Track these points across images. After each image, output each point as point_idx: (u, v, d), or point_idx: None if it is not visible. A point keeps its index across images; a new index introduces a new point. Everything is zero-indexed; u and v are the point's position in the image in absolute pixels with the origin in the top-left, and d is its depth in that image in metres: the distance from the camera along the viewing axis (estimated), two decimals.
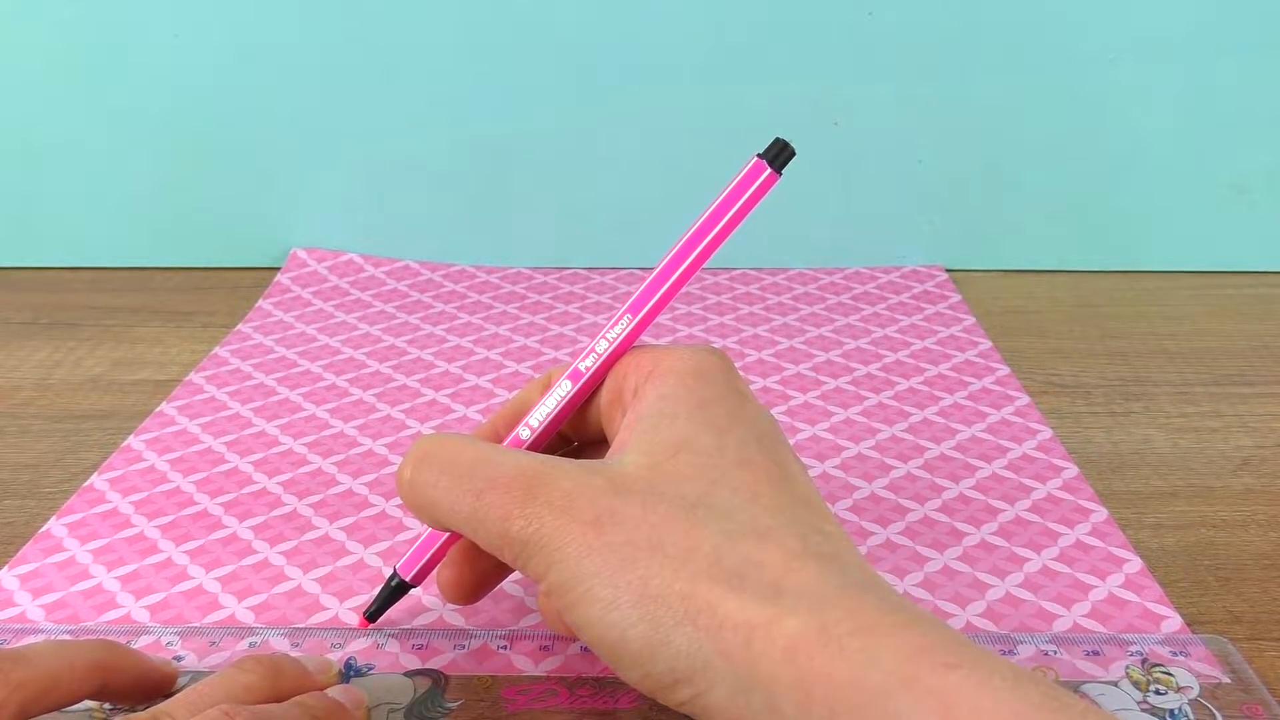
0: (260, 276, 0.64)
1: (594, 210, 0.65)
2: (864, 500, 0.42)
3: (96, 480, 0.43)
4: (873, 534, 0.39)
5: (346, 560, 0.38)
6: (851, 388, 0.50)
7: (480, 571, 0.32)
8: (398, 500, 0.42)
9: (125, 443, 0.46)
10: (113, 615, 0.35)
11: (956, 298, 0.61)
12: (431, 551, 0.33)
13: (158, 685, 0.31)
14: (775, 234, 0.64)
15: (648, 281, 0.31)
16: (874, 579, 0.25)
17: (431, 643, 0.33)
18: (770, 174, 0.33)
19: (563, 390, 0.31)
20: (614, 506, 0.26)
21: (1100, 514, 0.40)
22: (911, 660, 0.22)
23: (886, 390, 0.50)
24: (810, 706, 0.22)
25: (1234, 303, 0.60)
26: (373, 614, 0.34)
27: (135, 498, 0.42)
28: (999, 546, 0.38)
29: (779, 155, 0.33)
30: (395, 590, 0.34)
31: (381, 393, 0.50)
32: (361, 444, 0.46)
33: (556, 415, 0.32)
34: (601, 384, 0.31)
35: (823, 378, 0.51)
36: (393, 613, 0.35)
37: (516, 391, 0.35)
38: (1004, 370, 0.52)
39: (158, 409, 0.49)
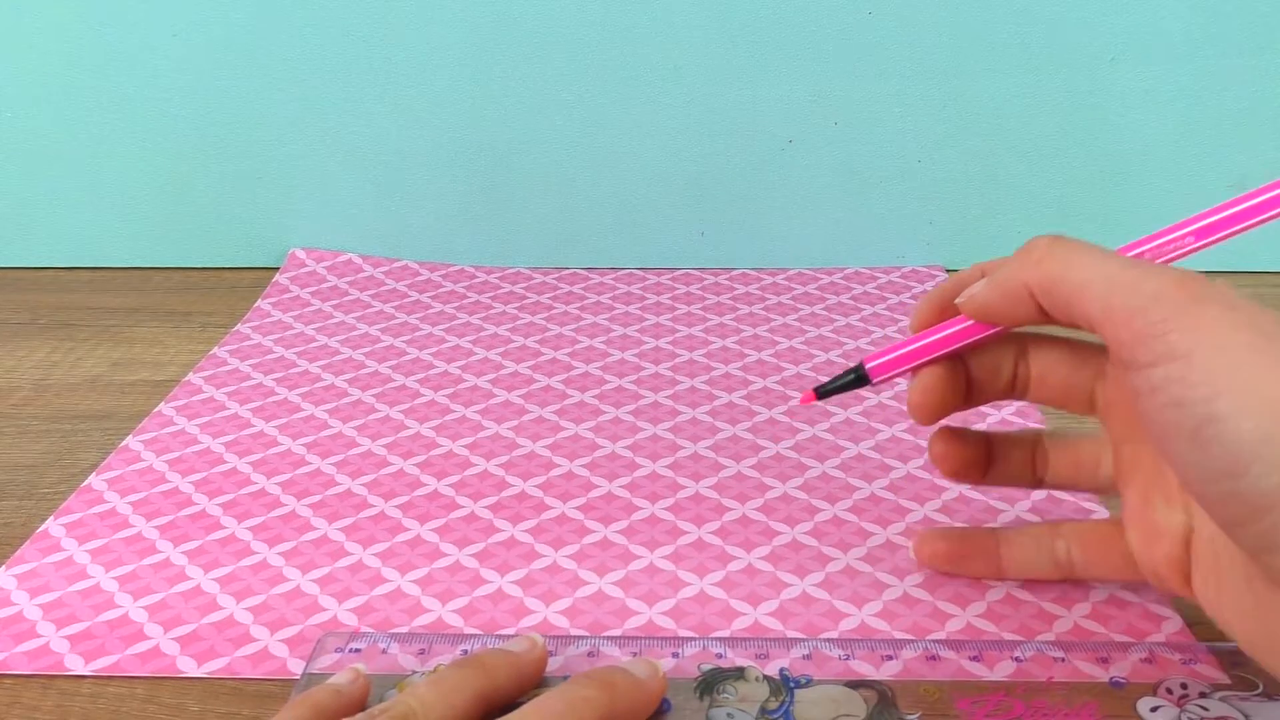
0: (259, 277, 0.64)
1: (594, 210, 0.65)
2: (864, 500, 0.41)
3: (94, 480, 0.43)
4: (872, 534, 0.39)
5: (345, 561, 0.38)
6: None
7: (950, 400, 0.33)
8: (396, 501, 0.42)
9: (123, 443, 0.46)
10: (110, 615, 0.35)
11: None
12: (909, 363, 0.34)
13: (532, 678, 0.31)
14: (775, 234, 0.64)
15: (1218, 217, 0.31)
16: None
17: (433, 646, 0.33)
18: None
19: None
20: (1273, 328, 0.25)
21: (1100, 514, 0.40)
22: None
23: (887, 390, 0.50)
24: None
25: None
26: (823, 393, 0.35)
27: (133, 498, 0.42)
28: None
29: None
30: (854, 381, 0.35)
31: (380, 393, 0.50)
32: (360, 444, 0.46)
33: None
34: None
35: (823, 378, 0.51)
36: (392, 613, 0.35)
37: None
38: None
39: (156, 409, 0.49)
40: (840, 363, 0.53)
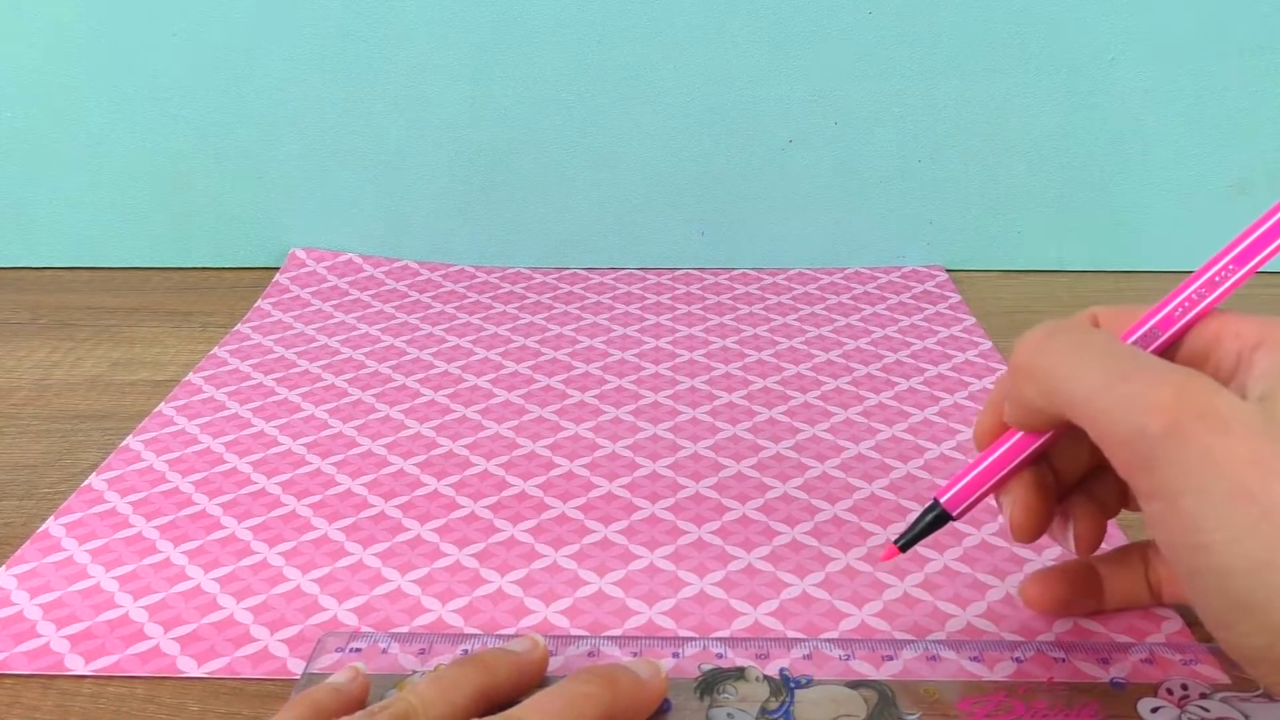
0: (259, 276, 0.64)
1: (594, 210, 0.65)
2: (864, 500, 0.41)
3: (95, 480, 0.43)
4: (873, 534, 0.39)
5: (345, 561, 0.38)
6: (851, 388, 0.50)
7: (1048, 506, 0.31)
8: (396, 501, 0.42)
9: (124, 443, 0.46)
10: (111, 615, 0.35)
11: (956, 298, 0.60)
12: (982, 485, 0.31)
13: (533, 678, 0.31)
14: (775, 234, 0.64)
15: (1256, 235, 0.28)
16: None
17: (434, 646, 0.33)
18: None
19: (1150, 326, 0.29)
20: (1273, 453, 0.23)
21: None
22: None
23: (886, 390, 0.50)
24: None
25: (1235, 303, 0.59)
26: (905, 544, 0.32)
27: (134, 498, 0.42)
28: (999, 547, 0.38)
29: None
30: (933, 522, 0.32)
31: (380, 393, 0.50)
32: (360, 444, 0.46)
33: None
34: (1177, 340, 0.29)
35: (823, 378, 0.51)
36: (392, 613, 0.35)
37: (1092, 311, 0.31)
38: (1004, 370, 0.52)
39: (156, 409, 0.49)
40: (840, 363, 0.53)
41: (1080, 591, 0.34)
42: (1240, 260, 0.29)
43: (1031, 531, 0.31)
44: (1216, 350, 0.28)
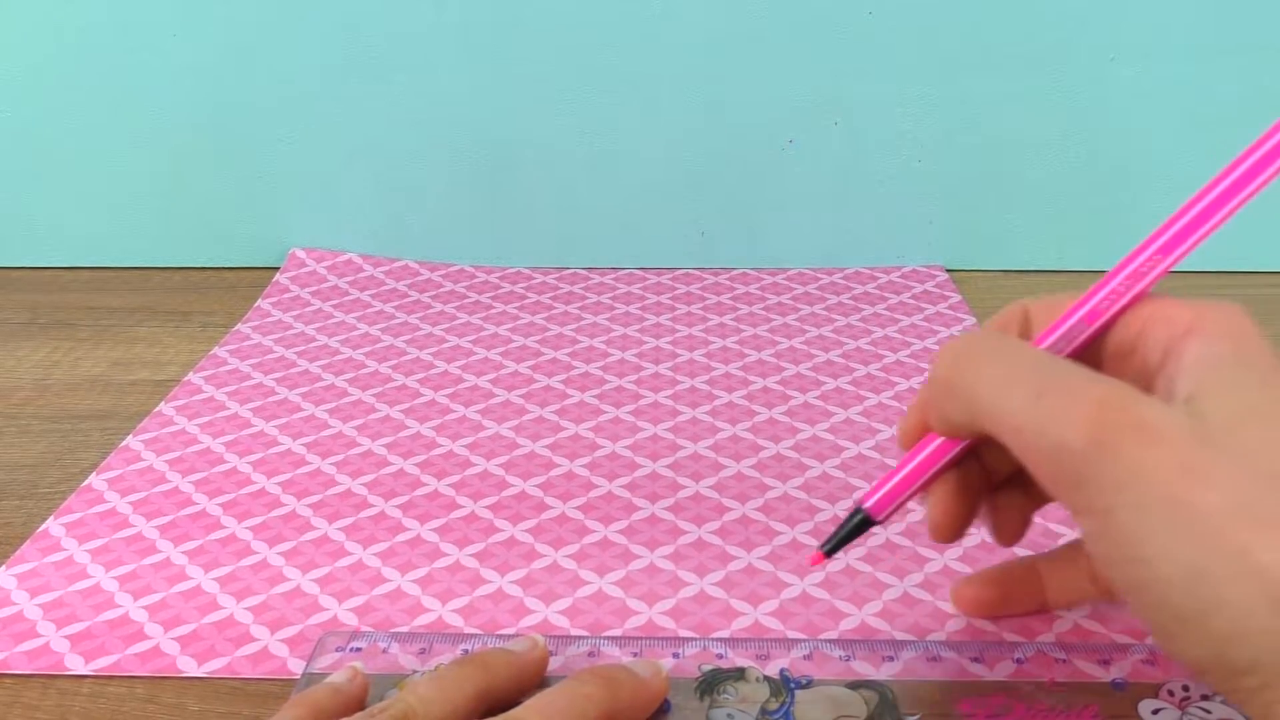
0: (259, 276, 0.64)
1: (594, 210, 0.65)
2: None
3: (95, 480, 0.43)
4: (873, 534, 0.39)
5: (345, 561, 0.38)
6: (851, 388, 0.50)
7: (970, 505, 0.30)
8: (396, 501, 0.42)
9: (124, 443, 0.46)
10: (111, 615, 0.35)
11: (956, 298, 0.60)
12: (906, 490, 0.31)
13: (533, 678, 0.31)
14: (775, 234, 0.64)
15: (1181, 224, 0.27)
16: None
17: (434, 645, 0.33)
18: None
19: (1073, 324, 0.28)
20: (1202, 459, 0.22)
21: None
22: None
23: (886, 390, 0.50)
24: None
25: (1235, 302, 0.59)
26: (830, 550, 0.32)
27: (134, 498, 0.42)
28: (999, 547, 0.38)
29: None
30: (857, 527, 0.32)
31: (381, 393, 0.50)
32: (360, 444, 0.46)
33: (1070, 351, 0.28)
34: (1105, 330, 0.28)
35: (823, 378, 0.51)
36: (392, 613, 0.35)
37: (1011, 308, 0.31)
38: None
39: (156, 409, 0.49)
40: (840, 363, 0.53)
41: (1016, 592, 0.34)
42: (1166, 250, 0.28)
43: (950, 533, 0.31)
44: (1145, 340, 0.27)
